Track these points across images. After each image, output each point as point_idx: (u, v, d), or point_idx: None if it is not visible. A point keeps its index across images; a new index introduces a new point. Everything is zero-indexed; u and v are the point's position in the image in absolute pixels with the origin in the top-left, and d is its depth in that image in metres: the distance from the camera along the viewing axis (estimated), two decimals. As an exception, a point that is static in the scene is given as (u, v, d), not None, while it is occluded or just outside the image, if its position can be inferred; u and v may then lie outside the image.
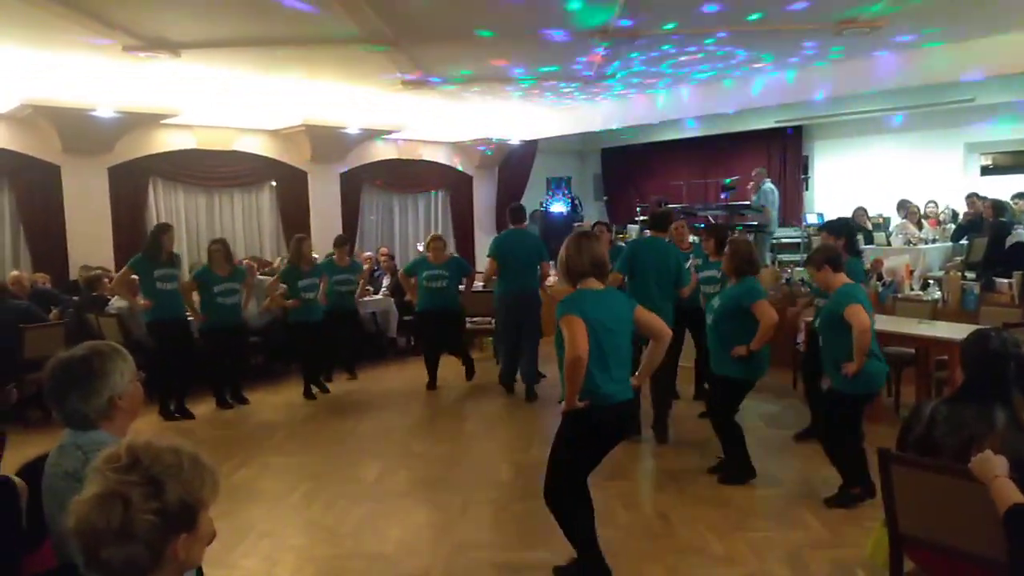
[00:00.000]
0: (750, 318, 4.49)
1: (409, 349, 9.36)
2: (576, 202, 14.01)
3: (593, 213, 14.47)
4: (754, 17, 6.27)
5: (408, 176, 12.11)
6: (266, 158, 10.45)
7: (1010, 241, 7.94)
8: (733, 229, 10.04)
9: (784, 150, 12.81)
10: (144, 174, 9.38)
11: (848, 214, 10.37)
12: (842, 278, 4.30)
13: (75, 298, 7.53)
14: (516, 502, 4.49)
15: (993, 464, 2.20)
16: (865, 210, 10.12)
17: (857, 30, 6.60)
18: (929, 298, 7.13)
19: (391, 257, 10.29)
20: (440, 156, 12.49)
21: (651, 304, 5.48)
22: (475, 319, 8.57)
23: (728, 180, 11.82)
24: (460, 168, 12.75)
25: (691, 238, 6.89)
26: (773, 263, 10.10)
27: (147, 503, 1.28)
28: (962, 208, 9.82)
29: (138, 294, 6.52)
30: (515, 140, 12.31)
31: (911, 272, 7.82)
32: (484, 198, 13.10)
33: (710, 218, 11.05)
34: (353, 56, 7.24)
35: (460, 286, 7.42)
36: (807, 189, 12.80)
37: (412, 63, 7.70)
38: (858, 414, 4.34)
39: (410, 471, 5.12)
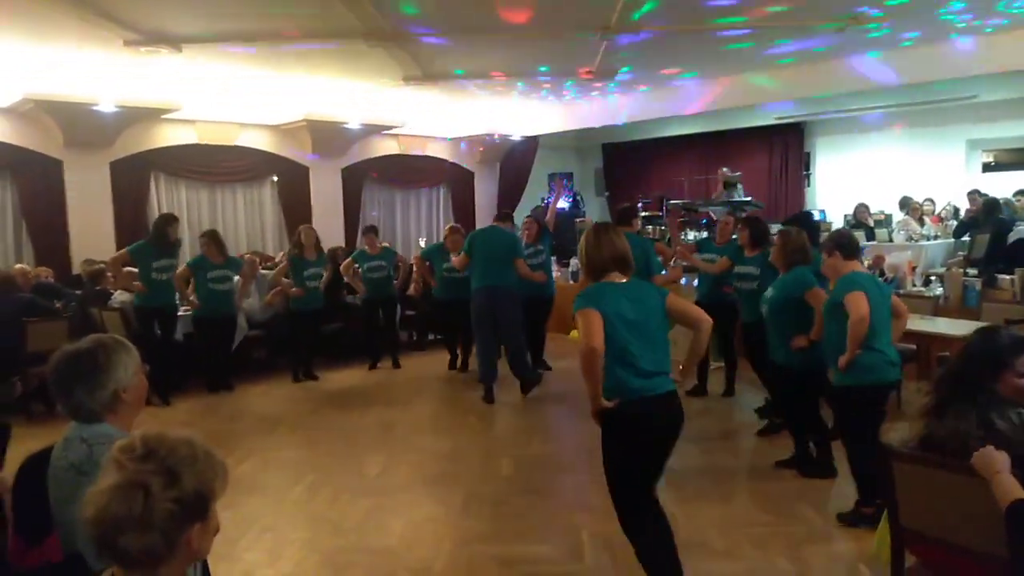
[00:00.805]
0: (805, 308, 4.44)
1: (412, 343, 9.38)
2: (578, 198, 14.00)
3: (595, 209, 14.47)
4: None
5: (410, 171, 12.11)
6: (268, 153, 10.45)
7: (1012, 238, 7.94)
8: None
9: (786, 146, 12.78)
10: (146, 169, 9.38)
11: (850, 211, 10.40)
12: (852, 265, 4.13)
13: (78, 292, 7.55)
14: (517, 496, 4.50)
15: (995, 460, 2.21)
16: (867, 206, 10.12)
17: (860, 27, 6.58)
18: (931, 294, 7.14)
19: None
20: (442, 152, 12.49)
21: None
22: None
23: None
24: (461, 163, 12.73)
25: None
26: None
27: (166, 491, 1.31)
28: (964, 205, 9.81)
29: (134, 277, 6.77)
30: (516, 136, 12.30)
31: (913, 268, 7.83)
32: (486, 194, 13.09)
33: (711, 213, 11.03)
34: (355, 51, 7.23)
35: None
36: (808, 185, 12.78)
37: (413, 59, 7.70)
38: (874, 414, 4.00)
39: (412, 465, 5.14)
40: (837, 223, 10.51)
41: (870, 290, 3.95)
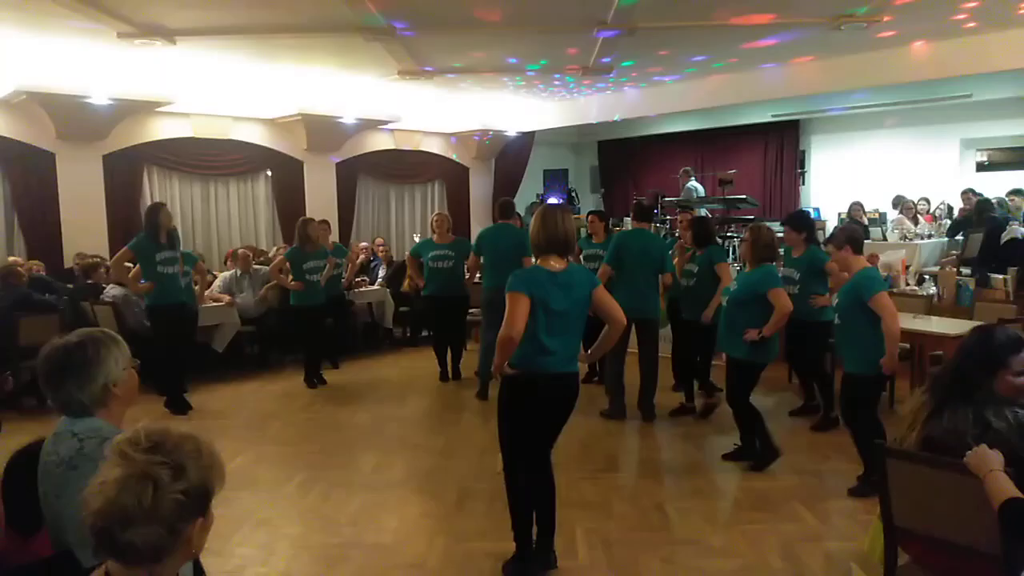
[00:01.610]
0: (764, 304, 4.59)
1: (405, 340, 9.36)
2: (573, 194, 13.99)
3: (590, 205, 14.46)
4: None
5: (404, 167, 12.07)
6: (262, 147, 10.41)
7: (1005, 237, 7.96)
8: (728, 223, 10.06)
9: (781, 144, 12.80)
10: (139, 162, 9.33)
11: (844, 209, 10.42)
12: (863, 261, 4.27)
13: (70, 286, 7.51)
14: (512, 493, 4.50)
15: (988, 458, 2.21)
16: (861, 205, 10.13)
17: (855, 24, 6.59)
18: (924, 293, 7.16)
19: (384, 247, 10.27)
20: (437, 147, 12.46)
21: (637, 291, 5.75)
22: (472, 310, 8.54)
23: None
24: (456, 159, 12.71)
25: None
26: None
27: (174, 484, 1.31)
28: (958, 204, 9.84)
29: (138, 278, 6.25)
30: (512, 132, 12.28)
31: (907, 267, 7.85)
32: (480, 189, 13.07)
33: (704, 212, 11.04)
34: (350, 45, 7.19)
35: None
36: (803, 183, 12.80)
37: (407, 53, 7.67)
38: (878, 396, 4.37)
39: (407, 462, 5.12)
40: (832, 221, 10.54)
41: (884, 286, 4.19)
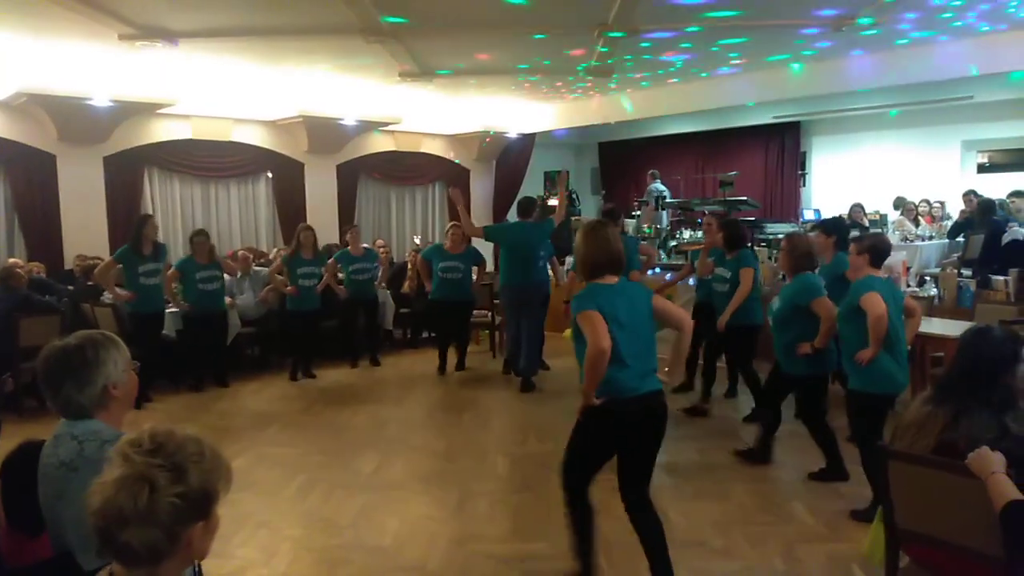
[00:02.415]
0: (810, 315, 4.42)
1: (406, 341, 9.36)
2: (573, 196, 13.98)
3: (591, 207, 14.46)
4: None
5: (405, 168, 12.06)
6: (263, 149, 10.40)
7: (1006, 239, 7.95)
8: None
9: (782, 145, 12.80)
10: (140, 164, 9.33)
11: (845, 210, 10.40)
12: (869, 271, 4.09)
13: (71, 287, 7.50)
14: (513, 494, 4.50)
15: (990, 460, 2.21)
16: (862, 206, 10.11)
17: (855, 27, 6.58)
18: (925, 295, 7.14)
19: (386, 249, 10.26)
20: (437, 149, 12.45)
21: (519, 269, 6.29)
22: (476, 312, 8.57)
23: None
24: (457, 161, 12.71)
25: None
26: (770, 258, 10.08)
27: (172, 487, 1.30)
28: (959, 206, 9.83)
29: (120, 284, 6.72)
30: (512, 133, 12.27)
31: (907, 269, 7.83)
32: (481, 191, 13.06)
33: (707, 212, 11.03)
34: (351, 47, 7.19)
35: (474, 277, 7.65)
36: (804, 185, 12.79)
37: (409, 54, 7.67)
38: (884, 418, 4.10)
39: (407, 463, 5.12)
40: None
41: (885, 295, 3.96)
